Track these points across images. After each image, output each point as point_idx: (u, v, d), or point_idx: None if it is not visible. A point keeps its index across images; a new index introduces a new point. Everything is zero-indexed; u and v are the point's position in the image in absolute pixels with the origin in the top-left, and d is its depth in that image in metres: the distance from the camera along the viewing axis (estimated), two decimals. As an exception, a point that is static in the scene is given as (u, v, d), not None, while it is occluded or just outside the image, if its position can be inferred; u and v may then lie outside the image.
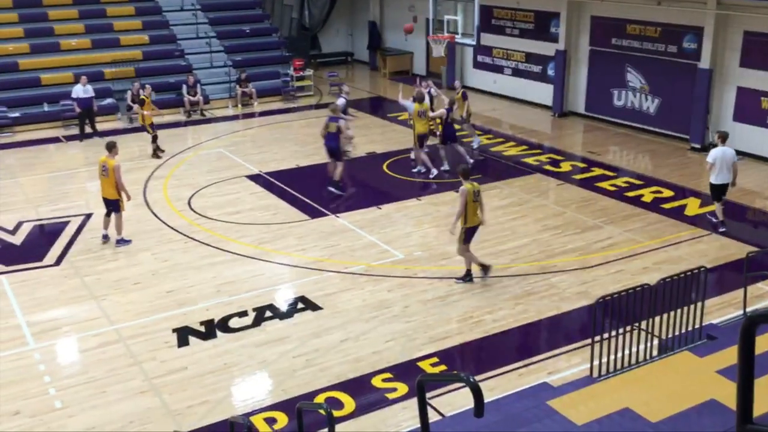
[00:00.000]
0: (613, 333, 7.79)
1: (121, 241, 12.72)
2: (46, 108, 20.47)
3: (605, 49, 20.06)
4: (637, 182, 15.76)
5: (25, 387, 8.77)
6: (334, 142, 15.01)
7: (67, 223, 13.72)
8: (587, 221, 13.66)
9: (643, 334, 8.18)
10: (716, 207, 12.97)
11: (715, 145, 12.96)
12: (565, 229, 13.30)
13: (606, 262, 11.96)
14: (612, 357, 7.81)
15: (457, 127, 16.79)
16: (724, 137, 12.63)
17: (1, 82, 20.66)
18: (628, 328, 7.98)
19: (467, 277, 11.27)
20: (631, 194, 15.00)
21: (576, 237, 12.95)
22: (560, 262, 11.99)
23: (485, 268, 11.32)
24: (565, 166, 16.93)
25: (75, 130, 19.50)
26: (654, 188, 15.36)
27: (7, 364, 9.27)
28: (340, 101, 16.87)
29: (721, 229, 12.92)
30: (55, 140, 19.39)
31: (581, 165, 17.08)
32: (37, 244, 12.90)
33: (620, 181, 15.80)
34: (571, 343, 9.62)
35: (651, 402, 6.11)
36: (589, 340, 8.05)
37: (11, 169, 17.05)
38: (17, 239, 13.12)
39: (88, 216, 13.94)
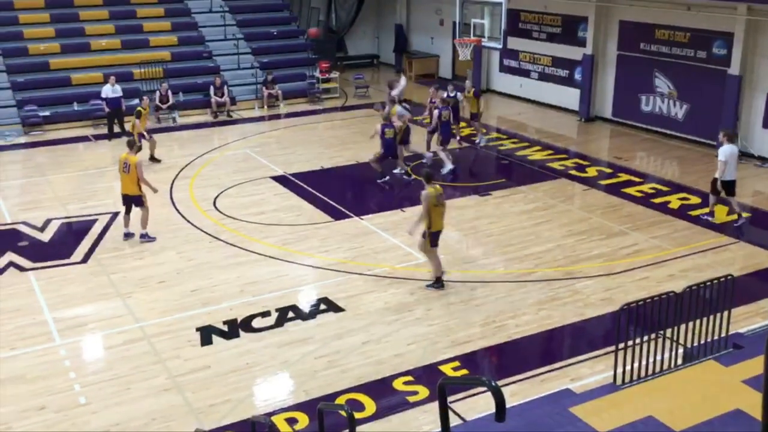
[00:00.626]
0: (638, 340, 7.71)
1: (145, 236, 12.87)
2: (75, 107, 20.75)
3: (633, 54, 19.88)
4: (664, 188, 15.60)
5: (51, 383, 8.89)
6: (390, 149, 15.59)
7: (94, 221, 13.89)
8: (613, 227, 13.54)
9: (668, 342, 8.09)
10: (732, 201, 13.44)
11: (722, 144, 13.29)
12: (590, 234, 13.20)
13: (631, 268, 11.84)
14: (636, 365, 7.73)
15: (462, 124, 17.33)
16: (731, 135, 13.21)
17: (33, 81, 20.98)
18: (653, 335, 7.89)
19: (437, 283, 11.09)
20: (657, 200, 14.85)
21: (601, 243, 12.85)
22: (585, 267, 11.90)
23: (438, 281, 11.08)
24: (591, 172, 16.80)
25: (104, 130, 19.75)
26: (681, 195, 15.19)
27: (33, 359, 9.40)
28: (395, 91, 17.39)
29: (742, 221, 13.38)
30: (84, 139, 19.64)
31: (607, 170, 16.94)
32: (65, 242, 13.07)
33: (647, 187, 15.65)
34: (594, 349, 9.53)
35: (675, 411, 6.05)
36: (612, 347, 7.97)
37: (41, 167, 17.30)
38: (45, 236, 13.31)
39: (116, 214, 14.09)
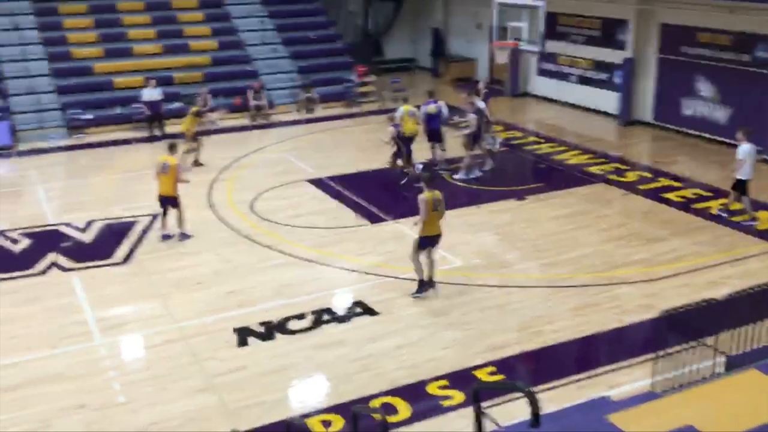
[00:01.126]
0: (677, 348, 7.58)
1: (183, 236, 13.08)
2: (118, 110, 21.13)
3: (675, 57, 19.58)
4: (706, 194, 15.31)
5: (91, 381, 9.05)
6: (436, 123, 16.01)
7: (135, 222, 14.12)
8: (652, 232, 13.33)
9: (708, 350, 7.93)
10: (745, 201, 13.60)
11: (740, 142, 13.48)
12: (629, 240, 13.01)
13: (671, 275, 11.65)
14: (675, 373, 7.60)
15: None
16: (749, 133, 13.44)
17: (76, 85, 21.43)
18: (693, 343, 7.75)
19: (421, 288, 10.90)
20: (699, 206, 14.59)
21: (640, 248, 12.66)
22: (623, 273, 11.74)
23: (423, 285, 10.89)
24: (631, 176, 16.58)
25: (145, 133, 20.07)
26: (723, 200, 14.88)
27: (74, 358, 9.58)
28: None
29: (753, 222, 13.52)
30: (125, 142, 19.98)
31: (647, 175, 16.69)
32: (106, 243, 13.30)
33: (688, 192, 15.38)
34: (632, 356, 9.38)
35: (715, 420, 5.92)
36: (651, 355, 7.86)
37: (83, 170, 17.65)
38: (87, 237, 13.56)
39: (155, 216, 14.27)
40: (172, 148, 13.04)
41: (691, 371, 7.69)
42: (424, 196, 10.58)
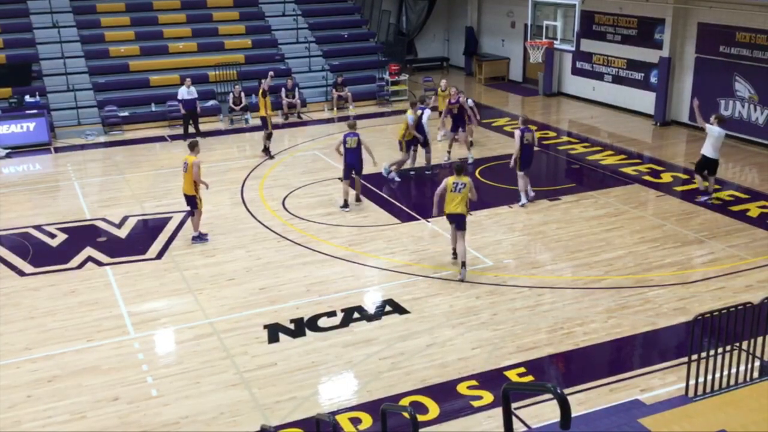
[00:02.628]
0: (712, 352, 7.47)
1: (197, 238, 13.12)
2: (153, 108, 21.40)
3: (712, 57, 19.27)
4: (743, 196, 15.05)
5: (125, 374, 9.19)
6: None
7: (169, 218, 14.30)
8: (688, 235, 13.15)
9: (743, 354, 7.80)
10: (700, 181, 14.81)
11: (713, 125, 14.37)
12: (663, 242, 12.84)
13: (706, 278, 11.48)
14: (709, 377, 7.49)
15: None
16: (722, 119, 14.57)
17: (113, 82, 21.75)
18: (728, 347, 7.63)
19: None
20: (736, 208, 14.35)
21: (675, 251, 12.49)
22: (657, 276, 11.59)
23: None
24: (666, 177, 16.36)
25: (179, 130, 20.30)
26: (761, 203, 14.64)
27: (109, 351, 9.74)
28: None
29: (704, 198, 14.64)
30: (160, 139, 20.24)
31: (683, 176, 16.46)
32: (141, 238, 13.49)
33: (725, 195, 15.13)
34: (666, 360, 9.28)
35: (750, 426, 5.82)
36: (685, 359, 7.75)
37: (119, 166, 17.91)
38: (123, 233, 13.76)
39: (189, 213, 14.46)
40: (192, 147, 12.96)
41: (725, 376, 7.57)
42: (446, 179, 11.61)
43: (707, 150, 14.44)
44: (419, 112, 16.21)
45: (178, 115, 20.42)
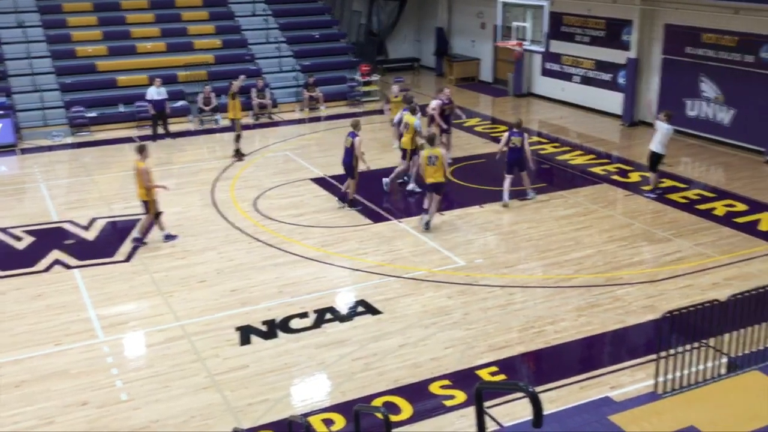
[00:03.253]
0: (680, 349, 7.58)
1: (137, 240, 12.95)
2: (121, 108, 21.15)
3: (679, 58, 19.56)
4: (710, 195, 15.30)
5: (94, 378, 9.07)
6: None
7: (138, 220, 14.12)
8: (656, 233, 13.33)
9: (711, 351, 7.93)
10: (653, 177, 15.27)
11: (661, 122, 14.90)
12: (632, 240, 13.01)
13: (674, 276, 11.64)
14: (678, 374, 7.59)
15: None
16: (670, 116, 15.02)
17: (80, 82, 21.45)
18: (696, 344, 7.75)
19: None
20: (702, 207, 14.58)
21: (643, 249, 12.65)
22: (626, 274, 11.73)
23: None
24: (634, 177, 16.57)
25: (148, 131, 20.09)
26: (727, 201, 14.89)
27: (77, 355, 9.60)
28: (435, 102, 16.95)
29: (653, 196, 15.09)
30: (129, 140, 20.00)
31: (650, 176, 16.64)
32: (109, 241, 13.33)
33: (691, 194, 15.37)
34: (635, 357, 9.39)
35: (717, 421, 5.93)
36: (654, 356, 7.85)
37: (87, 167, 17.67)
38: (90, 235, 13.58)
39: (158, 214, 14.32)
40: (140, 151, 12.74)
41: (693, 372, 7.68)
42: (422, 152, 13.25)
43: (655, 146, 14.93)
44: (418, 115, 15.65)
45: (146, 116, 20.21)
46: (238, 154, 17.88)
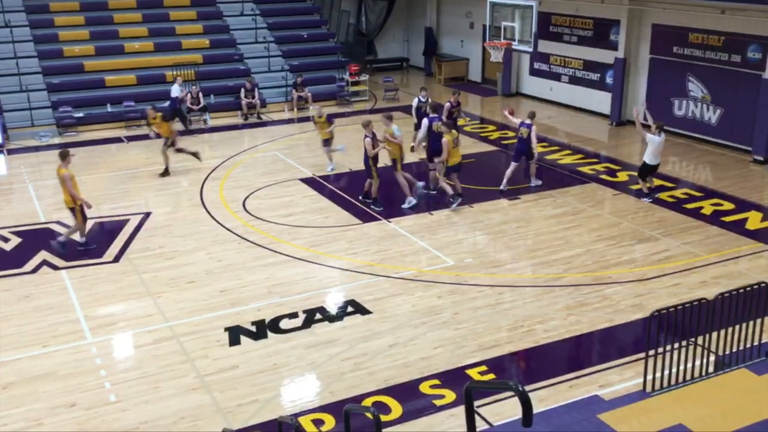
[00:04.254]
0: (668, 347, 7.62)
1: (60, 243, 12.52)
2: (109, 109, 21.05)
3: (666, 58, 19.67)
4: (697, 194, 15.39)
5: (82, 380, 9.02)
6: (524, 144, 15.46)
7: (126, 221, 14.08)
8: (644, 232, 13.39)
9: (699, 349, 7.98)
10: (643, 184, 15.16)
11: (654, 134, 14.69)
12: (620, 240, 13.06)
13: (662, 274, 11.70)
14: (666, 372, 7.63)
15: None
16: (661, 128, 14.80)
17: (68, 82, 21.33)
18: (684, 342, 7.79)
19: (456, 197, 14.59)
20: (690, 206, 14.67)
21: (631, 248, 12.71)
22: (615, 273, 11.78)
23: (459, 196, 14.52)
24: (622, 176, 16.64)
25: (137, 131, 19.99)
26: (714, 200, 14.98)
27: (65, 356, 9.55)
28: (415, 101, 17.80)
29: (649, 200, 14.99)
30: (117, 140, 19.91)
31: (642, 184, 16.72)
32: (97, 241, 13.25)
33: (679, 193, 15.45)
34: (623, 356, 9.44)
35: (706, 419, 5.96)
36: (642, 354, 7.89)
37: (75, 168, 17.33)
38: (78, 236, 13.48)
39: (147, 215, 14.28)
40: (63, 157, 12.64)
41: (681, 371, 7.73)
42: (446, 138, 13.95)
43: (648, 158, 14.78)
44: (438, 123, 15.23)
45: (134, 116, 20.10)
46: (195, 155, 17.12)
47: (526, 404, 3.63)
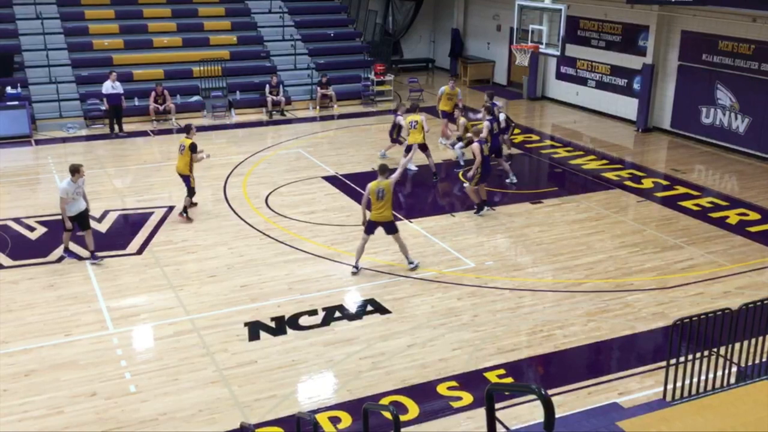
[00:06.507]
0: (690, 357, 7.55)
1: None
2: (136, 102, 21.23)
3: (695, 65, 19.46)
4: (723, 203, 15.22)
5: (103, 370, 9.12)
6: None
7: (150, 213, 14.20)
8: (667, 240, 13.27)
9: (721, 360, 7.89)
10: None
11: None
12: (643, 247, 12.95)
13: (685, 283, 11.59)
14: (687, 382, 7.56)
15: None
16: None
17: (96, 75, 21.51)
18: (706, 352, 7.71)
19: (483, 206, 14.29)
20: (715, 215, 14.51)
21: (655, 256, 12.60)
22: (637, 280, 11.69)
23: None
24: (647, 183, 16.50)
25: (165, 125, 20.14)
26: (740, 210, 14.81)
27: (87, 346, 9.65)
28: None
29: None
30: (143, 134, 20.09)
31: (664, 182, 16.61)
32: (122, 233, 13.38)
33: (704, 201, 15.29)
34: (644, 364, 9.36)
35: (727, 430, 5.89)
36: (663, 363, 7.82)
37: (101, 160, 17.76)
38: (103, 227, 13.64)
39: (171, 208, 14.40)
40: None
41: (702, 381, 7.65)
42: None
43: None
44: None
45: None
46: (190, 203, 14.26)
47: (549, 408, 3.60)
